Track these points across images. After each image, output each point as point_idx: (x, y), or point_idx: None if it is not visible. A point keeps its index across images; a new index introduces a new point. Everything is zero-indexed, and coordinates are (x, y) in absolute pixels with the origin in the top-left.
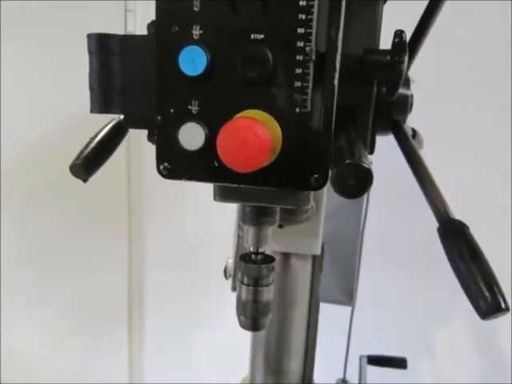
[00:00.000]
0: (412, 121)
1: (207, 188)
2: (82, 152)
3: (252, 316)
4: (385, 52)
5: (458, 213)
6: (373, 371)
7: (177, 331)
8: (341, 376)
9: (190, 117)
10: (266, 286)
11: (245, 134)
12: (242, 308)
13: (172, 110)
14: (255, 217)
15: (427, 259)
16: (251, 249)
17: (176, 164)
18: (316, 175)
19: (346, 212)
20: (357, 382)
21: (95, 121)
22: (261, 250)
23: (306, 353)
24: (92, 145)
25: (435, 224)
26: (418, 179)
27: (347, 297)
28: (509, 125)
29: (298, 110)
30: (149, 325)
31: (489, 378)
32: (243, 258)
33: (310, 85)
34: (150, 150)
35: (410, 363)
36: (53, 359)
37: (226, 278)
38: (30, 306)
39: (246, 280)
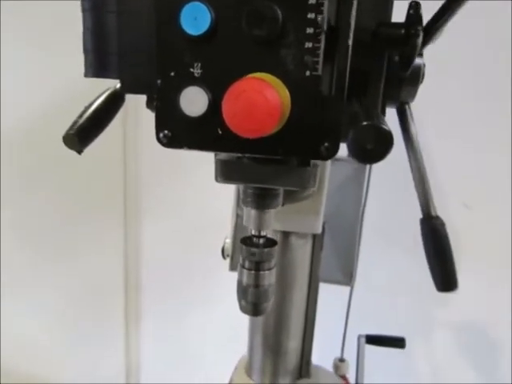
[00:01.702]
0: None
1: (205, 167)
2: (75, 122)
3: (253, 301)
4: (399, 25)
5: (457, 195)
6: (371, 351)
7: (174, 312)
8: (338, 355)
9: (192, 80)
10: (268, 270)
11: (253, 95)
12: (242, 292)
13: (173, 73)
14: (258, 199)
15: None
16: (253, 232)
17: (177, 131)
18: (326, 144)
19: (347, 191)
20: (355, 361)
21: (89, 99)
22: (263, 234)
23: (305, 333)
24: (86, 114)
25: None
26: (412, 169)
27: (347, 277)
28: (508, 109)
29: (308, 73)
30: (146, 306)
31: (488, 359)
32: (244, 241)
33: (322, 45)
34: (147, 126)
35: (407, 344)
36: (48, 343)
37: (224, 258)
38: (24, 289)
39: (247, 264)
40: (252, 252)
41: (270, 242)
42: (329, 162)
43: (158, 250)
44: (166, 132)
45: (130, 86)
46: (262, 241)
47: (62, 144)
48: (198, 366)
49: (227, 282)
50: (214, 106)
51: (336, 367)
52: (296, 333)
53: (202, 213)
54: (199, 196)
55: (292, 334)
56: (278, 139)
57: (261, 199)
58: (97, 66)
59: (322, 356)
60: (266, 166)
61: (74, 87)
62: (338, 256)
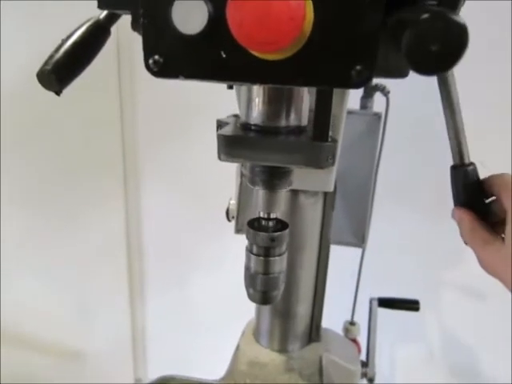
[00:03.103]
0: None
1: (206, 123)
2: (51, 56)
3: (262, 289)
4: None
5: None
6: (383, 314)
7: (178, 275)
8: (347, 318)
9: None
10: (279, 255)
11: None
12: (250, 280)
13: None
14: (267, 179)
15: (439, 201)
16: (261, 214)
17: (170, 56)
18: (359, 66)
19: (360, 147)
20: (366, 324)
21: None
22: (273, 216)
23: (315, 296)
24: (64, 48)
25: (447, 166)
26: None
27: (358, 238)
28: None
29: None
30: (149, 269)
31: (497, 320)
32: (252, 223)
33: None
34: (145, 79)
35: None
36: (51, 308)
37: (229, 219)
38: (25, 254)
39: (255, 249)
40: (260, 236)
41: (281, 225)
42: (344, 114)
43: (159, 211)
44: (156, 57)
45: (109, 1)
46: (271, 223)
47: (59, 105)
48: (204, 328)
49: (231, 243)
50: (216, 21)
51: (346, 330)
52: (306, 296)
53: (205, 172)
54: (201, 154)
55: (301, 298)
56: (297, 62)
57: (270, 179)
58: None
59: (331, 319)
60: (276, 141)
61: None
62: (349, 216)
